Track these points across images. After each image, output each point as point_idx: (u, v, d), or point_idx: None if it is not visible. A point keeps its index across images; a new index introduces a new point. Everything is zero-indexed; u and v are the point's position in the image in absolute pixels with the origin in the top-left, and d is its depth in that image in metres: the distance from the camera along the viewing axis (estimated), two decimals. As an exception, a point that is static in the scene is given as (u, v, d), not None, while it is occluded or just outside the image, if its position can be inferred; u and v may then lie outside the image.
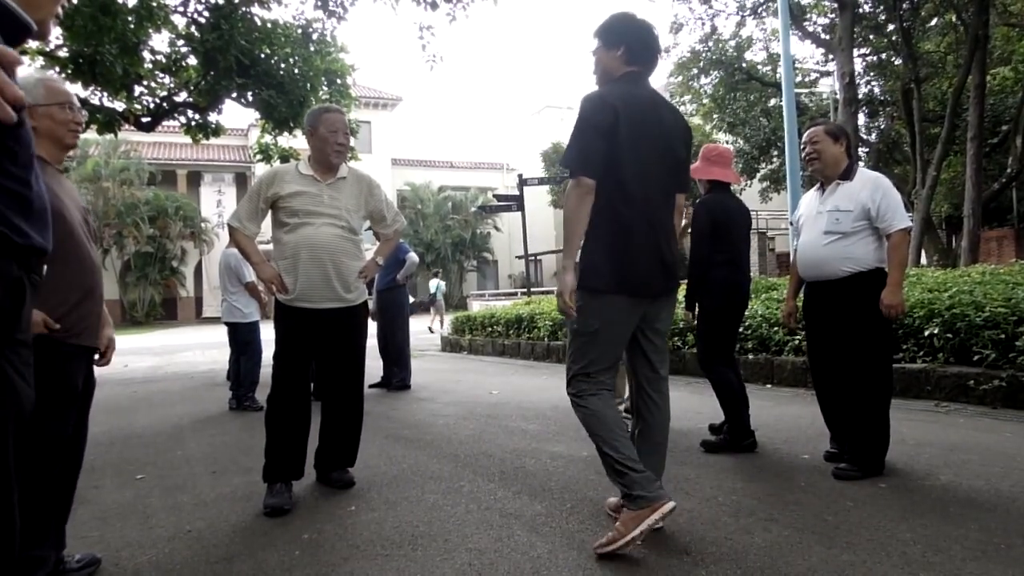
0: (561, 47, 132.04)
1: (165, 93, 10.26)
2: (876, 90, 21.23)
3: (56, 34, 7.57)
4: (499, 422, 4.64)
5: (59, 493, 2.12)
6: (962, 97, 14.87)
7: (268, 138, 10.95)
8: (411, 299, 7.25)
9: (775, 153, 22.08)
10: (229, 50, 8.62)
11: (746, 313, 4.58)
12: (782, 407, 4.68)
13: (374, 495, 3.00)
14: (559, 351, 8.31)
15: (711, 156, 3.72)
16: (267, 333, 3.90)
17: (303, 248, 2.95)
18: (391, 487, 3.13)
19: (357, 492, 3.07)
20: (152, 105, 10.16)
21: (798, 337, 5.35)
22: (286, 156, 10.85)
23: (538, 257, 29.32)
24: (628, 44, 2.34)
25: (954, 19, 16.10)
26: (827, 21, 18.20)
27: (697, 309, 3.76)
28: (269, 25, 9.48)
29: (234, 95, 9.67)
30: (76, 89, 8.11)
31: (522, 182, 14.04)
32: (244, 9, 9.13)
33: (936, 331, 4.64)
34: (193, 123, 10.18)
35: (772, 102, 21.22)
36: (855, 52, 16.17)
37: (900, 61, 17.58)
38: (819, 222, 3.08)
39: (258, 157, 11.35)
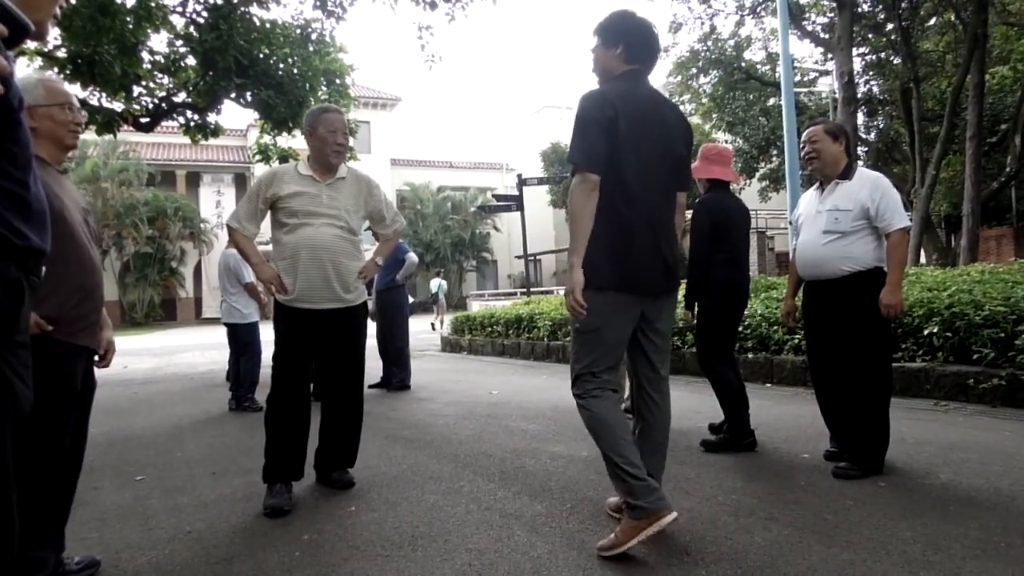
0: (560, 47, 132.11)
1: (164, 93, 10.25)
2: (875, 89, 21.25)
3: (55, 35, 7.55)
4: (499, 422, 4.64)
5: (58, 494, 2.12)
6: (961, 96, 14.88)
7: (267, 138, 10.94)
8: (410, 299, 7.25)
9: (774, 152, 22.11)
10: (228, 50, 8.61)
11: (746, 312, 4.58)
12: (782, 406, 4.68)
13: (374, 495, 3.00)
14: (559, 351, 8.31)
15: (711, 155, 3.72)
16: (267, 334, 3.90)
17: (302, 249, 2.94)
18: (391, 487, 3.12)
19: (357, 492, 3.07)
20: (151, 105, 10.14)
21: (797, 336, 5.35)
22: (285, 156, 10.84)
23: (537, 257, 29.35)
24: (627, 42, 2.33)
25: (953, 18, 16.10)
26: (826, 20, 18.22)
27: (697, 308, 3.76)
28: (268, 25, 9.47)
29: (233, 95, 9.65)
30: (75, 90, 8.07)
31: (521, 182, 14.04)
32: (243, 9, 9.12)
33: (935, 330, 4.64)
34: (192, 123, 10.17)
35: (771, 101, 21.22)
36: (854, 51, 16.20)
37: (899, 60, 17.57)
38: (818, 221, 3.08)
39: (257, 157, 11.35)
